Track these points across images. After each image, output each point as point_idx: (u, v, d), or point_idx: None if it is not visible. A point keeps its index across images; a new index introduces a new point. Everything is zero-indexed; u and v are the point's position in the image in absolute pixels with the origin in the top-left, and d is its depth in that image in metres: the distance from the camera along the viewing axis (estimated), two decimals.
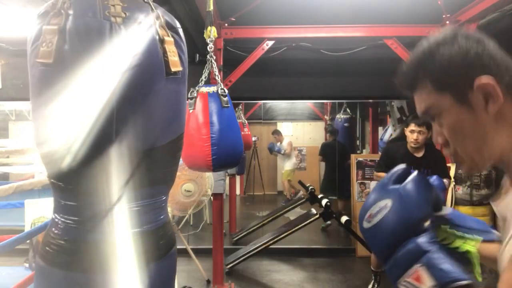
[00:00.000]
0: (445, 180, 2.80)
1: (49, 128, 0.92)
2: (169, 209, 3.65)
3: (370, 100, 5.93)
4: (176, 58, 1.03)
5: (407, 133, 2.98)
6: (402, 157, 2.87)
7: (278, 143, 7.82)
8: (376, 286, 3.53)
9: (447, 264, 0.66)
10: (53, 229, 1.01)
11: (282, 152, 7.73)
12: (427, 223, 0.72)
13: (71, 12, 0.90)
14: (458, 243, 0.83)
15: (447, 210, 0.86)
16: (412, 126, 2.90)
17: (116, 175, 0.95)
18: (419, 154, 2.96)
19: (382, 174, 2.91)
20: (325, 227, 5.65)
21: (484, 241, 0.84)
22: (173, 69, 1.01)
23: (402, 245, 0.70)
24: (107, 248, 0.96)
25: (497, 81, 0.67)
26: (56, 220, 1.00)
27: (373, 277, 3.55)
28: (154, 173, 1.05)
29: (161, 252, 1.09)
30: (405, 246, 0.70)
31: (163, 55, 1.00)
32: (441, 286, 0.65)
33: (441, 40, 0.73)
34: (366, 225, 0.76)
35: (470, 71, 0.69)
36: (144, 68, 0.95)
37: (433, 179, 2.74)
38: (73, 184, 0.96)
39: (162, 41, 1.00)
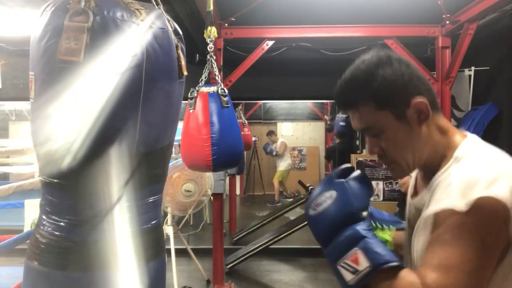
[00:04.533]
0: None
1: (58, 126, 0.90)
2: (169, 209, 3.65)
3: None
4: (184, 63, 1.09)
5: None
6: None
7: (274, 145, 7.79)
8: None
9: (380, 248, 0.74)
10: (45, 229, 0.97)
11: (274, 153, 7.70)
12: (364, 214, 0.80)
13: (98, 12, 0.89)
14: (378, 233, 0.95)
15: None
16: None
17: (119, 174, 0.95)
18: None
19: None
20: None
21: (397, 229, 1.01)
22: (184, 73, 1.08)
23: (342, 231, 0.78)
24: (108, 247, 0.96)
25: (426, 98, 0.81)
26: (48, 221, 0.97)
27: None
28: (153, 172, 1.07)
29: (157, 249, 1.11)
30: (345, 231, 0.77)
31: (177, 60, 1.06)
32: (374, 267, 0.72)
33: (377, 61, 0.82)
34: (311, 212, 0.83)
35: (406, 91, 0.81)
36: (167, 71, 1.01)
37: None
38: (75, 184, 0.94)
39: (177, 46, 1.05)
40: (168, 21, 1.04)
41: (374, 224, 0.99)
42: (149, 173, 1.04)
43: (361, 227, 0.77)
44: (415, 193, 0.94)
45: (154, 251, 1.08)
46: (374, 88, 0.81)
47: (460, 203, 0.71)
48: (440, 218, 0.74)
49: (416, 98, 0.80)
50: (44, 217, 0.98)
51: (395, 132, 0.82)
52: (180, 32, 1.11)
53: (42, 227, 0.98)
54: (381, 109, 0.81)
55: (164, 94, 1.02)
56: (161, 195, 1.13)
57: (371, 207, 0.98)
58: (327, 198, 0.82)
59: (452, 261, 0.70)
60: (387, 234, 0.97)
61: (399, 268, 0.74)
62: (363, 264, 0.73)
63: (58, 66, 0.88)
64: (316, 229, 0.83)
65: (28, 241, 0.99)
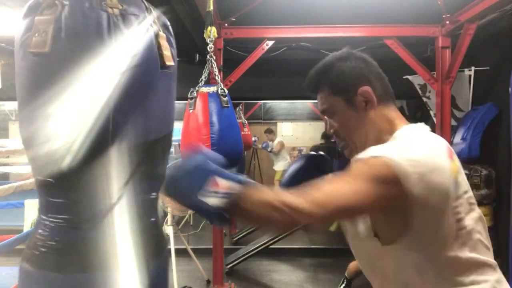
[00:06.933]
0: None
1: (47, 126, 0.89)
2: (169, 209, 3.65)
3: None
4: (169, 53, 1.04)
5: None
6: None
7: (270, 142, 7.73)
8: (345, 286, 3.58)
9: (232, 173, 0.80)
10: (41, 231, 0.95)
11: (268, 149, 7.61)
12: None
13: (66, 2, 0.89)
14: None
15: None
16: None
17: (116, 172, 0.94)
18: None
19: None
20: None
21: None
22: (167, 63, 1.02)
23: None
24: (108, 245, 0.95)
25: (373, 90, 0.95)
26: (46, 221, 0.95)
27: (345, 282, 3.58)
28: (149, 168, 1.05)
29: (159, 248, 1.10)
30: (198, 170, 0.80)
31: (157, 49, 1.01)
32: (240, 182, 0.78)
33: (338, 56, 1.00)
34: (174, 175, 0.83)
35: (356, 81, 0.96)
36: (142, 61, 0.96)
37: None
38: (71, 183, 0.93)
39: (156, 35, 1.00)
40: (148, 9, 1.01)
41: None
42: (142, 170, 1.02)
43: (210, 165, 0.81)
44: None
45: (154, 249, 1.07)
46: (330, 77, 0.98)
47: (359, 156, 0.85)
48: None
49: (363, 87, 0.94)
50: (43, 217, 0.97)
51: (345, 115, 0.97)
52: (166, 21, 1.09)
53: (37, 229, 0.97)
54: (335, 95, 0.97)
55: (138, 85, 0.97)
56: (156, 193, 1.11)
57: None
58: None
59: (333, 186, 0.81)
60: None
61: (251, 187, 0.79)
62: (225, 183, 0.78)
63: (31, 58, 0.90)
64: (177, 184, 0.83)
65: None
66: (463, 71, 3.50)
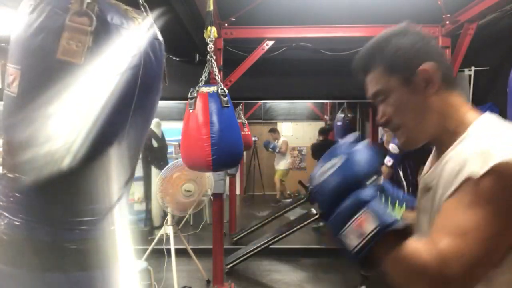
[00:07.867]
0: None
1: (57, 126, 0.87)
2: (169, 209, 3.65)
3: (370, 100, 5.94)
4: (165, 72, 1.16)
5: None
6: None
7: (275, 141, 7.73)
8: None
9: (387, 211, 0.71)
10: (20, 230, 0.89)
11: (277, 150, 7.59)
12: (369, 181, 0.76)
13: (100, 16, 0.89)
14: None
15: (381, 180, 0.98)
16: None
17: (117, 174, 0.96)
18: None
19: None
20: (317, 228, 5.63)
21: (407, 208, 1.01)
22: (166, 81, 1.14)
23: (344, 198, 0.74)
24: (107, 246, 0.95)
25: (437, 67, 0.81)
26: (27, 221, 0.89)
27: (360, 281, 3.58)
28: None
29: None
30: (347, 199, 0.74)
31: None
32: (382, 227, 0.69)
33: (395, 31, 0.88)
34: (314, 183, 0.79)
35: (416, 58, 0.83)
36: (157, 75, 1.07)
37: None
38: (74, 184, 0.93)
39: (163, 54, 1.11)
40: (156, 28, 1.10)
41: (384, 200, 0.99)
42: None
43: (366, 192, 0.73)
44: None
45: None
46: (386, 53, 0.86)
47: (478, 171, 0.68)
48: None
49: (423, 65, 0.81)
50: (23, 216, 0.89)
51: (402, 98, 0.84)
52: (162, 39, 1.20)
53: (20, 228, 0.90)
54: (391, 74, 0.85)
55: (149, 100, 1.07)
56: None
57: (385, 182, 1.02)
58: (331, 167, 0.77)
59: (467, 226, 0.67)
60: (397, 212, 0.96)
61: (407, 234, 0.70)
62: (370, 226, 0.69)
63: (54, 66, 0.87)
64: (321, 200, 0.78)
65: None
66: (463, 71, 3.50)
